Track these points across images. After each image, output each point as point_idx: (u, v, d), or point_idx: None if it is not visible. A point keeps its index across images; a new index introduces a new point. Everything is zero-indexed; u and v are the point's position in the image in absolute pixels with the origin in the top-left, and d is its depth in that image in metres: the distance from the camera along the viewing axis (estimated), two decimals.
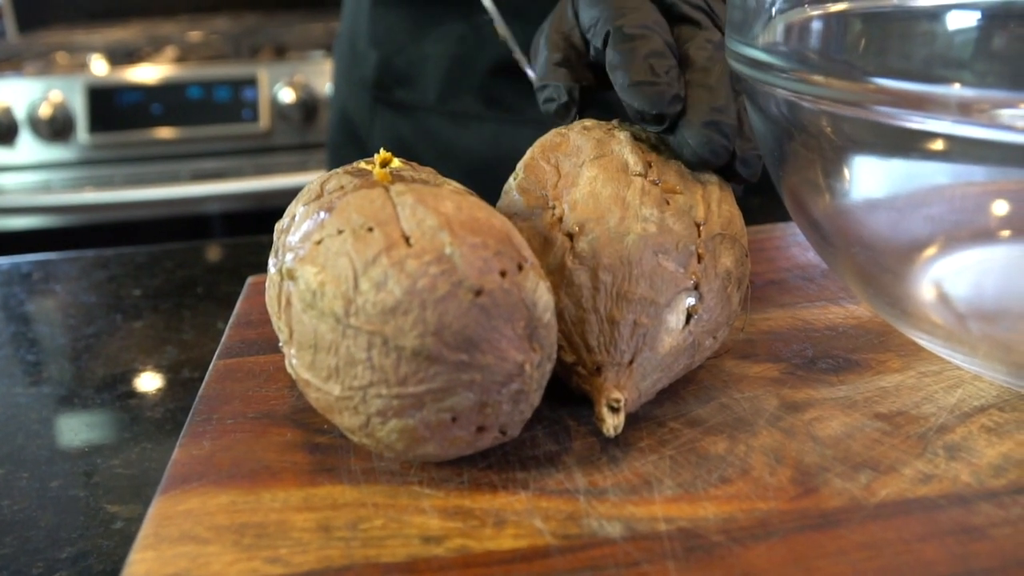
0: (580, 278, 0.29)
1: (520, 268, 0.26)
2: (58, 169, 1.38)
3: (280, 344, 0.29)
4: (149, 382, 0.46)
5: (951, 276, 0.32)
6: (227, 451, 0.30)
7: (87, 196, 1.33)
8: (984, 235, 0.33)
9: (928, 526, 0.24)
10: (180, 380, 0.46)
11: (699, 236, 0.30)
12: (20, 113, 1.35)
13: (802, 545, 0.24)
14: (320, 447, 0.30)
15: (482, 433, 0.26)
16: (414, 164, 0.34)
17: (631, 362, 0.29)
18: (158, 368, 0.48)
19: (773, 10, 0.32)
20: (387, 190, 0.28)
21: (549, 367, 0.27)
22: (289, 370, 0.29)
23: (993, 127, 0.26)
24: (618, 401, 0.28)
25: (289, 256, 0.28)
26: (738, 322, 0.33)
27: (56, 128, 1.35)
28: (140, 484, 0.37)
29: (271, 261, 0.31)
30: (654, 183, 0.31)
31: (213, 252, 0.67)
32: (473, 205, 0.27)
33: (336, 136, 0.79)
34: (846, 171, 0.32)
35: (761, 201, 0.53)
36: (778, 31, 0.32)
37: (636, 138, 0.34)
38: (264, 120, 1.39)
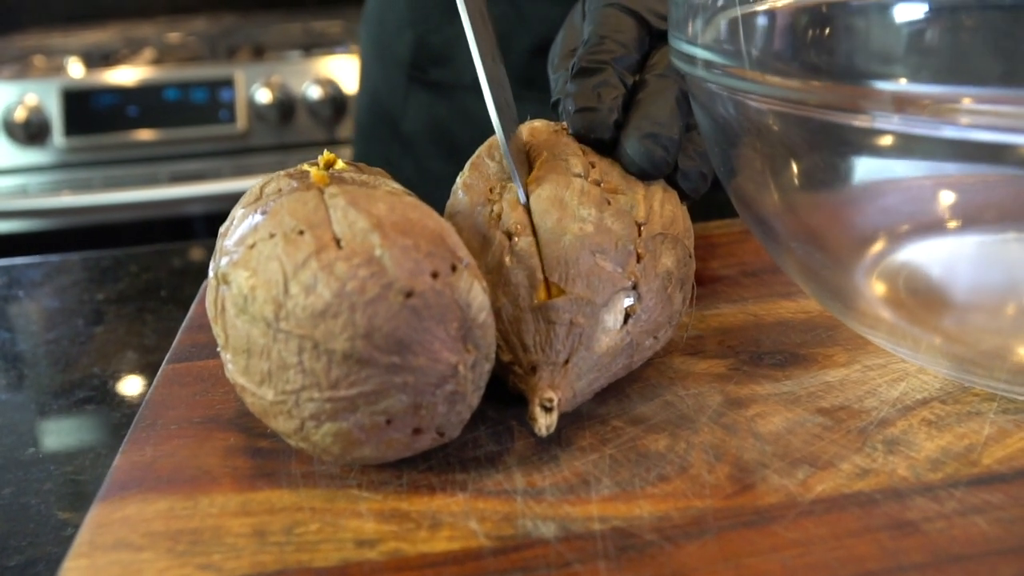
0: (518, 277, 0.29)
1: (454, 269, 0.26)
2: (34, 173, 1.38)
3: (218, 349, 0.29)
4: (107, 388, 0.46)
5: (896, 270, 0.32)
6: (169, 457, 0.30)
7: (64, 200, 1.32)
8: (930, 228, 0.33)
9: (862, 521, 0.24)
10: (138, 385, 0.46)
11: (639, 236, 0.30)
12: None
13: (734, 543, 0.24)
14: (262, 451, 0.30)
15: (419, 435, 0.26)
16: (361, 166, 0.34)
17: (566, 362, 0.29)
18: (117, 374, 0.47)
19: (715, 6, 0.32)
20: (321, 192, 0.27)
21: (487, 367, 0.27)
22: (227, 375, 0.28)
23: (932, 123, 0.25)
24: (551, 400, 0.27)
25: (224, 260, 0.28)
26: (684, 319, 0.33)
27: (31, 132, 1.34)
28: (94, 491, 0.37)
29: (211, 265, 0.31)
30: (596, 183, 0.31)
31: (179, 256, 0.66)
32: (407, 206, 0.27)
33: (365, 118, 0.78)
34: (790, 168, 0.32)
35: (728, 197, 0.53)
36: (720, 28, 0.31)
37: (583, 139, 0.34)
38: (241, 121, 1.39)
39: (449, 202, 0.35)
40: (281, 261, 0.25)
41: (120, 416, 0.43)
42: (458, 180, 0.35)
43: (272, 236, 0.26)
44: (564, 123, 0.36)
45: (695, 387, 0.32)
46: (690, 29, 0.31)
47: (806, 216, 0.33)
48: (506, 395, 0.31)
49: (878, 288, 0.32)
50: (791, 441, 0.28)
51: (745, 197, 0.33)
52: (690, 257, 0.32)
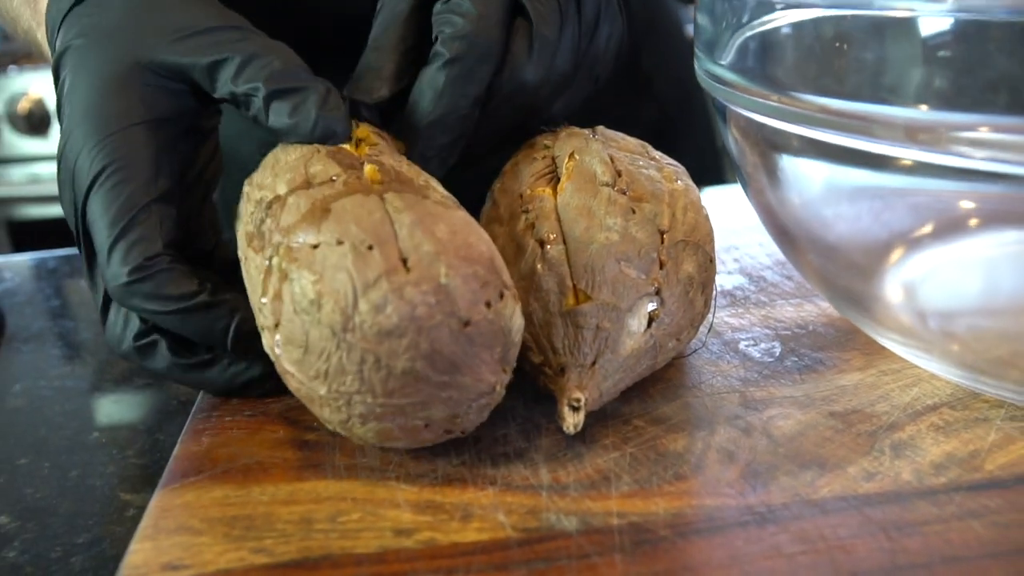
0: (548, 283, 0.31)
1: (501, 296, 0.28)
2: None
3: (259, 323, 0.30)
4: (163, 381, 0.49)
5: (913, 277, 0.34)
6: (223, 447, 0.32)
7: None
8: (948, 235, 0.34)
9: (863, 522, 0.26)
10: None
11: (662, 243, 0.32)
12: (52, 104, 1.39)
13: (741, 540, 0.26)
14: (308, 444, 0.32)
15: (447, 434, 0.29)
16: (383, 134, 0.35)
17: (593, 364, 0.30)
18: None
19: (739, 23, 0.33)
20: (383, 200, 0.29)
21: (511, 379, 0.30)
22: (268, 351, 0.30)
23: (945, 153, 0.26)
24: (578, 400, 0.29)
25: (278, 237, 0.29)
26: (705, 323, 0.35)
27: None
28: (151, 473, 0.40)
29: (243, 225, 0.32)
30: (622, 192, 0.33)
31: None
32: (464, 227, 0.29)
33: None
34: (809, 178, 0.33)
35: None
36: (745, 49, 0.33)
37: (611, 147, 0.36)
38: None
39: (485, 207, 0.37)
40: (350, 275, 0.27)
41: (176, 403, 0.46)
42: (495, 185, 0.37)
43: (340, 244, 0.28)
44: (598, 128, 0.38)
45: (715, 389, 0.34)
46: (715, 50, 0.33)
47: (825, 225, 0.34)
48: (536, 393, 0.33)
49: (895, 295, 0.34)
50: (803, 443, 0.30)
51: (765, 205, 0.35)
52: (711, 262, 0.34)
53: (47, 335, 0.55)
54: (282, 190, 0.31)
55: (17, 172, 1.88)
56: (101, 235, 0.32)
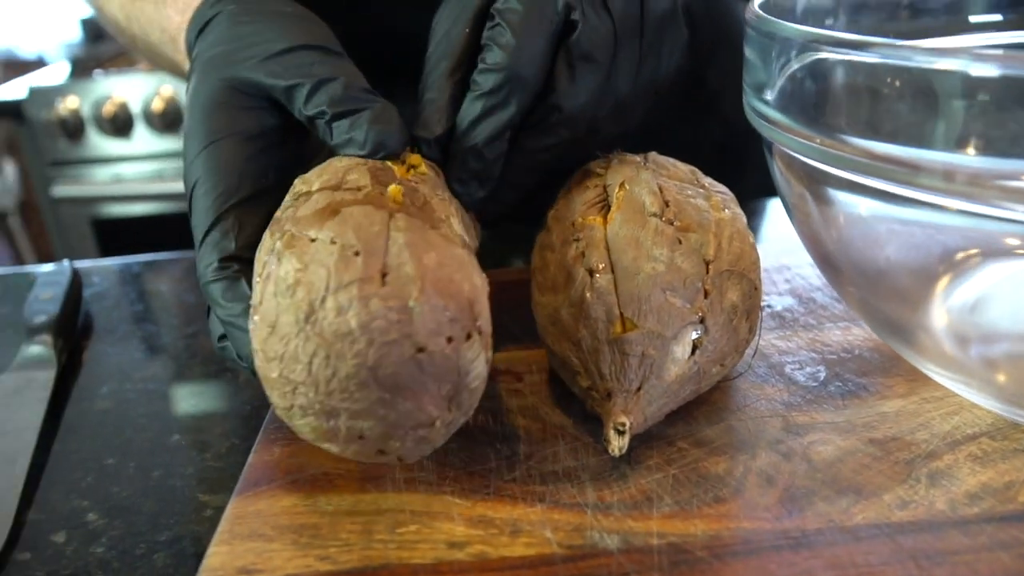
0: (597, 312, 0.33)
1: (468, 337, 0.29)
2: (171, 159, 1.48)
3: (249, 300, 0.32)
4: (239, 382, 0.52)
5: (959, 302, 0.34)
6: (293, 458, 0.35)
7: None
8: (992, 260, 0.35)
9: (893, 550, 0.27)
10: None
11: (707, 273, 0.33)
12: (135, 107, 1.45)
13: (775, 563, 0.27)
14: None
15: (381, 455, 0.30)
16: (438, 170, 0.37)
17: (639, 389, 0.32)
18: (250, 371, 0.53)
19: (785, 63, 0.34)
20: (391, 217, 0.30)
21: (462, 421, 0.30)
22: (249, 325, 0.32)
23: (984, 203, 0.27)
24: (624, 425, 0.31)
25: (289, 225, 0.31)
26: (750, 347, 0.36)
27: (168, 120, 1.44)
28: (227, 476, 0.42)
29: (277, 213, 0.34)
30: (669, 222, 0.34)
31: None
32: (454, 263, 0.29)
33: None
34: (854, 210, 0.34)
35: None
36: (791, 86, 0.34)
37: (661, 175, 0.37)
38: None
39: (539, 233, 0.38)
40: (330, 272, 0.28)
41: (250, 408, 0.49)
42: (549, 212, 0.39)
43: (333, 243, 0.29)
44: (650, 155, 0.39)
45: (758, 412, 0.35)
46: (764, 89, 0.34)
47: (871, 253, 0.35)
48: (585, 414, 0.35)
49: (939, 321, 0.35)
50: (841, 470, 0.31)
51: (810, 234, 0.36)
52: (756, 289, 0.35)
53: (131, 338, 0.58)
54: (315, 187, 0.33)
55: (102, 172, 1.97)
56: (196, 237, 0.36)
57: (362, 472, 0.33)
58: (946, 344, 0.34)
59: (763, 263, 0.47)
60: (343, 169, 0.34)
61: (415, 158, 0.36)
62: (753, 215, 0.64)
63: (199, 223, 0.35)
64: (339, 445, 0.30)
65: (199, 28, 0.39)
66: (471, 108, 0.36)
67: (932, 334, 0.34)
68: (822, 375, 0.37)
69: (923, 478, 0.30)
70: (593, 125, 0.39)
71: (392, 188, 0.33)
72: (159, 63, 0.57)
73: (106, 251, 2.01)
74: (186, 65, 0.41)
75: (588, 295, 0.33)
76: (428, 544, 0.29)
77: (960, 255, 0.36)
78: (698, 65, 0.45)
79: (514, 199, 0.39)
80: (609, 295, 0.33)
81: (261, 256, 0.32)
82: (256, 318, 0.30)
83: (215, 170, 0.35)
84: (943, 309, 0.35)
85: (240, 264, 0.34)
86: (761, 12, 0.33)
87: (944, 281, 0.36)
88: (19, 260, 2.53)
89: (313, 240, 0.29)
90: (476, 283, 0.30)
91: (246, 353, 0.33)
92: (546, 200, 0.40)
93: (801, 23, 0.39)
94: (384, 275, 0.28)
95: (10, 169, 2.51)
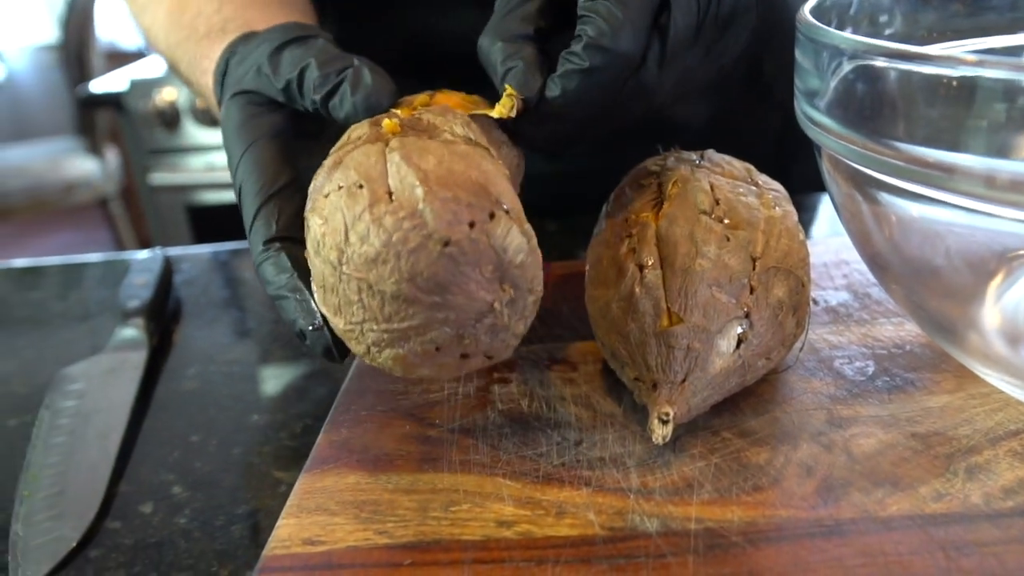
0: (645, 306, 0.34)
1: (492, 216, 0.29)
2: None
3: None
4: (316, 366, 0.55)
5: (1007, 302, 0.35)
6: (358, 439, 0.37)
7: None
8: None
9: (923, 540, 0.28)
10: (340, 371, 0.54)
11: (754, 270, 0.34)
12: None
13: (807, 550, 0.28)
14: (430, 439, 0.36)
15: (467, 359, 0.31)
16: (477, 99, 0.38)
17: (683, 381, 0.33)
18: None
19: (836, 68, 0.35)
20: (385, 145, 0.31)
21: (531, 299, 0.31)
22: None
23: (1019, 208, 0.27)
24: (667, 415, 0.32)
25: (308, 204, 0.33)
26: (799, 342, 0.37)
27: None
28: (300, 456, 0.45)
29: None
30: (719, 220, 0.35)
31: None
32: (455, 157, 0.30)
33: None
34: (903, 211, 0.35)
35: None
36: (840, 90, 0.34)
37: (715, 173, 0.38)
38: None
39: (596, 229, 0.40)
40: (343, 212, 0.29)
41: (324, 392, 0.51)
42: (604, 208, 0.40)
43: (340, 188, 0.30)
44: (707, 152, 0.40)
45: (804, 405, 0.36)
46: (816, 94, 0.34)
47: (921, 253, 0.35)
48: (634, 403, 0.36)
49: (991, 319, 0.35)
50: (880, 462, 0.32)
51: (859, 232, 0.36)
52: (803, 286, 0.36)
53: (218, 323, 0.62)
54: (330, 156, 0.34)
55: (196, 160, 2.05)
56: (246, 229, 0.39)
57: (421, 454, 0.36)
58: (997, 343, 0.34)
59: (822, 257, 0.48)
60: (351, 130, 0.35)
61: (423, 98, 0.37)
62: (811, 209, 0.64)
63: (247, 216, 0.38)
64: (428, 367, 0.31)
65: (221, 75, 0.43)
66: (569, 79, 0.35)
67: (983, 333, 0.35)
68: (871, 370, 0.38)
69: (961, 472, 0.31)
70: (665, 95, 0.38)
71: (386, 123, 0.33)
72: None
73: (199, 236, 2.09)
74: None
75: (637, 289, 0.35)
76: (478, 522, 0.31)
77: (1012, 254, 0.36)
78: (758, 49, 0.45)
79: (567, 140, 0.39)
80: (657, 290, 0.34)
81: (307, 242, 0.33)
82: (315, 288, 0.32)
83: (251, 170, 0.38)
84: (996, 309, 0.35)
85: (282, 243, 0.36)
86: (811, 19, 0.34)
87: (997, 280, 0.36)
88: (120, 244, 2.65)
89: (327, 196, 0.31)
90: (485, 168, 0.30)
91: (290, 319, 0.35)
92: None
93: (856, 20, 0.39)
94: (390, 194, 0.29)
95: (112, 157, 2.64)
